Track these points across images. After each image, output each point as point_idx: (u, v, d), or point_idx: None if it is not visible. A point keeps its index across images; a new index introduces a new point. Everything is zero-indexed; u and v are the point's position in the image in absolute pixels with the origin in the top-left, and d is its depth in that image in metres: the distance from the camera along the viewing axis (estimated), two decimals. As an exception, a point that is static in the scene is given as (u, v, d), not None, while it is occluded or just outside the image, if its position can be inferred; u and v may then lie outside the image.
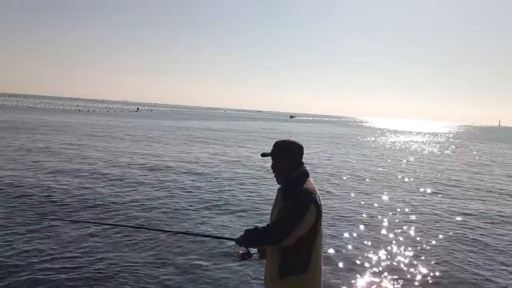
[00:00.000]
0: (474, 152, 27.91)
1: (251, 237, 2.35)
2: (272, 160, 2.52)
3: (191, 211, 7.59)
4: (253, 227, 2.42)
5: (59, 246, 5.38)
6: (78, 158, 13.50)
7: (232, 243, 2.45)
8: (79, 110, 67.10)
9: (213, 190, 9.70)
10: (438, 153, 25.38)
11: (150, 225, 6.49)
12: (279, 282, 2.36)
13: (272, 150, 2.52)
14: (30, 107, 66.01)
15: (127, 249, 5.44)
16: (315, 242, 2.35)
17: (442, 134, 64.88)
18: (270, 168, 2.54)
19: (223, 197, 8.93)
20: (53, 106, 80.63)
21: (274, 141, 2.56)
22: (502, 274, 5.41)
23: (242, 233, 2.41)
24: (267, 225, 2.41)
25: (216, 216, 7.42)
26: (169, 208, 7.73)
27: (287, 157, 2.46)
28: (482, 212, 8.85)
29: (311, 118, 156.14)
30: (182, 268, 4.97)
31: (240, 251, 2.55)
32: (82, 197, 8.13)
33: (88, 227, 6.21)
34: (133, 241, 5.73)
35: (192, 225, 6.73)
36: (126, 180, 10.20)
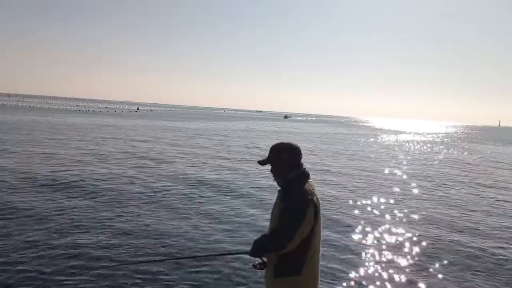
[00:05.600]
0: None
1: (257, 247, 2.38)
2: (270, 163, 2.56)
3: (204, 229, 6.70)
4: (259, 236, 2.44)
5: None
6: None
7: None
8: (79, 110, 66.70)
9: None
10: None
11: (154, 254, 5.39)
12: (273, 282, 2.42)
13: (268, 155, 2.56)
14: (30, 106, 65.84)
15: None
16: (312, 244, 2.37)
17: (443, 134, 64.77)
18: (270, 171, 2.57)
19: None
20: (55, 106, 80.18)
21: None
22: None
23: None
24: (271, 232, 2.43)
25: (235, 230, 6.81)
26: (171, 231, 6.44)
27: (281, 160, 2.49)
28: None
29: (309, 118, 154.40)
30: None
31: (256, 262, 2.55)
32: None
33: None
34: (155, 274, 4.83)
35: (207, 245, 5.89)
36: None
